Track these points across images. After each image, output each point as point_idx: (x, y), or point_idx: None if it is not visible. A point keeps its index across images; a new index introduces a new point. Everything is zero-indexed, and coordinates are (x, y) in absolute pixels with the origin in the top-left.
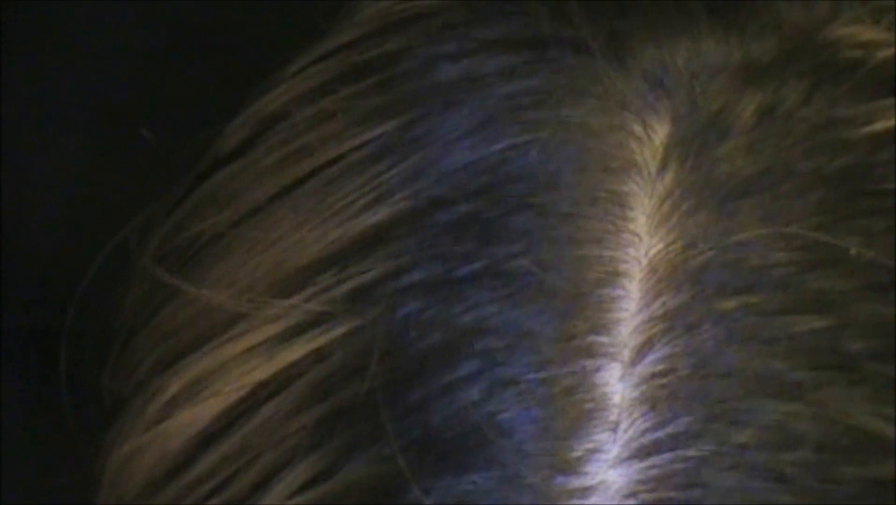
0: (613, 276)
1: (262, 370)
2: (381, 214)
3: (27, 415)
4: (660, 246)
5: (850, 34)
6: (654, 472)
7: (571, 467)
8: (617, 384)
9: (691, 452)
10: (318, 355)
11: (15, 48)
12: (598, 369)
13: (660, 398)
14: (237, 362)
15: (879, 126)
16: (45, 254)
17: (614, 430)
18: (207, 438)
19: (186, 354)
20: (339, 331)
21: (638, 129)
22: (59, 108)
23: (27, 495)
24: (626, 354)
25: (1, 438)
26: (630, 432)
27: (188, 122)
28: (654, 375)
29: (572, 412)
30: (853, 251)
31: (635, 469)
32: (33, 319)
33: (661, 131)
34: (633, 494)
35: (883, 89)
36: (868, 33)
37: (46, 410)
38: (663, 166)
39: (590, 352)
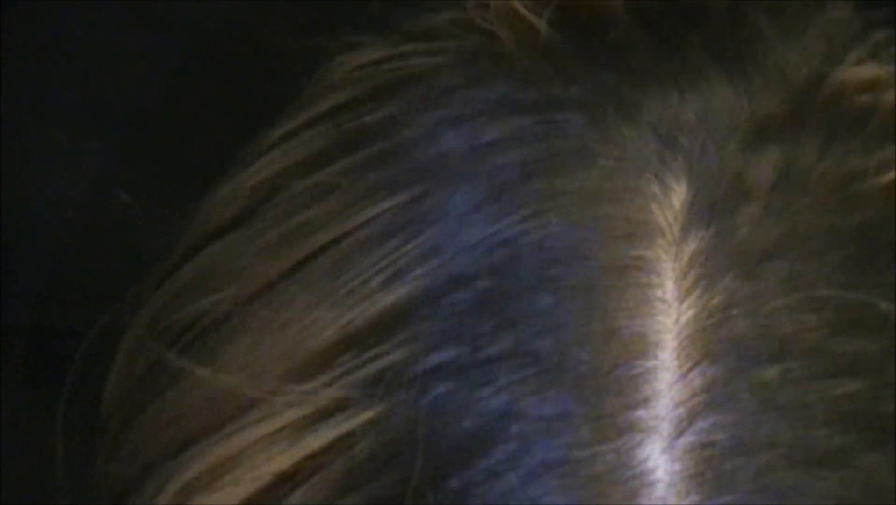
0: (646, 346)
1: (284, 459)
2: (398, 293)
3: (27, 415)
4: (690, 313)
5: (854, 76)
6: None
7: None
8: (659, 458)
9: None
10: (344, 444)
11: (18, 48)
12: (638, 445)
13: (704, 472)
14: (257, 449)
15: (893, 175)
16: (45, 254)
17: None
18: None
19: (200, 438)
20: (363, 417)
21: (656, 190)
22: (61, 109)
23: (27, 495)
24: (666, 428)
25: (1, 438)
26: None
27: (192, 125)
28: (696, 448)
29: (616, 492)
30: (883, 306)
31: None
32: (33, 319)
33: (679, 191)
34: None
35: (893, 135)
36: (870, 71)
37: (46, 410)
38: (686, 230)
39: (629, 428)
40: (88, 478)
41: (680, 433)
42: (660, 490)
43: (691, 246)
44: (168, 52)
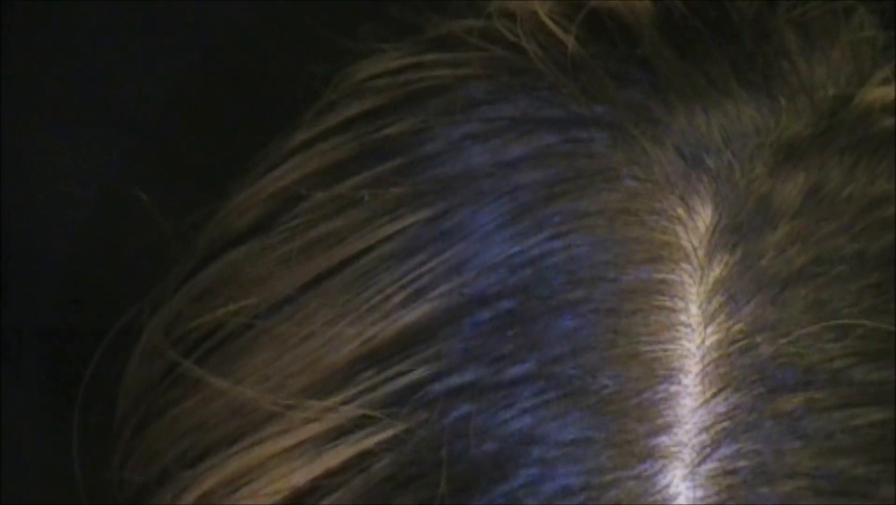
0: (669, 371)
1: (302, 474)
2: (420, 311)
3: (27, 415)
4: (714, 339)
5: (881, 97)
6: None
7: None
8: (680, 485)
9: None
10: (363, 462)
11: (18, 47)
12: (660, 471)
13: (726, 500)
14: (275, 463)
15: None
16: (45, 254)
17: None
18: None
19: (218, 449)
20: (383, 436)
21: (681, 212)
22: (62, 107)
23: (27, 495)
24: (688, 454)
25: (1, 438)
26: None
27: (199, 125)
28: (718, 475)
29: None
30: None
31: None
32: (34, 319)
33: (704, 214)
34: None
35: None
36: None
37: (47, 410)
38: (711, 254)
39: (651, 454)
40: (100, 482)
41: (702, 460)
42: None
43: (716, 270)
44: (176, 52)
